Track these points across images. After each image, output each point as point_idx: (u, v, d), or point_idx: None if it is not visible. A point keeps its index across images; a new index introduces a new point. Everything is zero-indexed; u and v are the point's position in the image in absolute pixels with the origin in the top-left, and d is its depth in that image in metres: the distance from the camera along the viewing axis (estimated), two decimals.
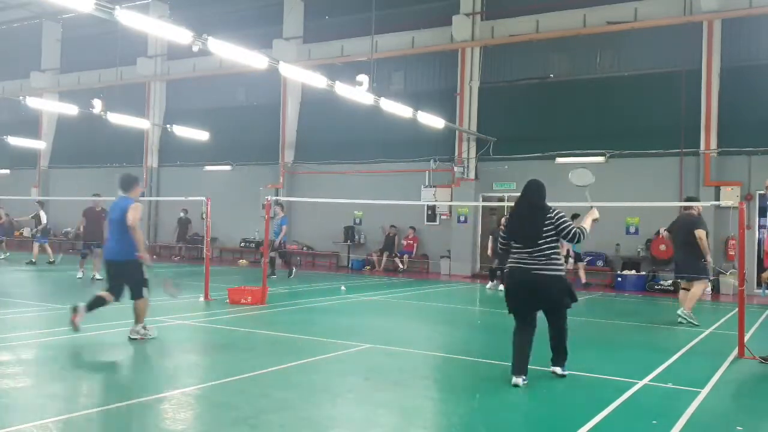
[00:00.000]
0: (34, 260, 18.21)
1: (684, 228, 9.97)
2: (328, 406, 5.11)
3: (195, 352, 7.44)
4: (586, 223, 6.17)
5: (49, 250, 19.03)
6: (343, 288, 14.05)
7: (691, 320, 9.94)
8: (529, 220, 5.87)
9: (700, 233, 9.70)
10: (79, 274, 14.75)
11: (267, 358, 6.90)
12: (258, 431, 4.40)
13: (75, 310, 7.18)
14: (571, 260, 15.33)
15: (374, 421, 4.83)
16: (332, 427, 4.64)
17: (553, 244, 5.80)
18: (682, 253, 10.09)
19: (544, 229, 5.77)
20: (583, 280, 15.92)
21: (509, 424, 4.89)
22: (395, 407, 5.20)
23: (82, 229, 15.14)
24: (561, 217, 5.85)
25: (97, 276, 14.22)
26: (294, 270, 16.86)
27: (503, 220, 16.05)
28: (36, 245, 18.74)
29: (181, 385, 5.66)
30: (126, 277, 7.40)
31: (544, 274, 5.76)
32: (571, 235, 5.82)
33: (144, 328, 7.51)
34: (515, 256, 5.92)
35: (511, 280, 5.98)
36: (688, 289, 10.23)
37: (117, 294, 7.42)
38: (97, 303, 7.34)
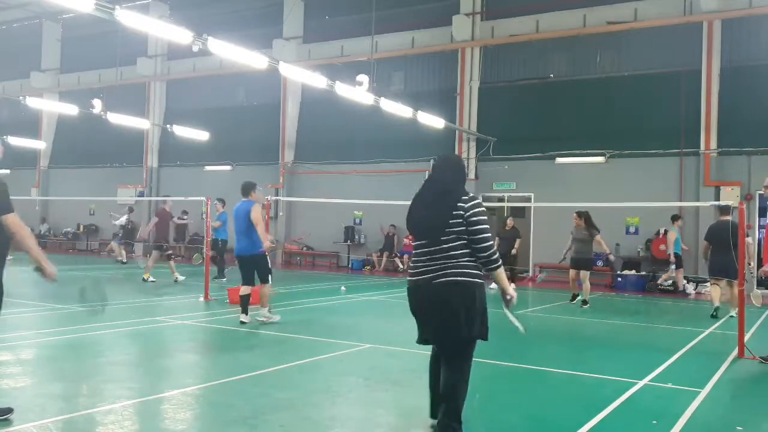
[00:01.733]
0: (124, 261, 19.69)
1: (727, 233, 10.26)
2: (328, 406, 5.11)
3: (195, 352, 7.44)
4: (502, 280, 4.30)
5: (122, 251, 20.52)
6: (343, 288, 14.05)
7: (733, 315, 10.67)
8: (433, 207, 4.17)
9: (748, 240, 10.62)
10: (181, 277, 14.65)
11: (267, 358, 6.90)
12: (258, 431, 4.40)
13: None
14: (672, 267, 14.48)
15: (374, 421, 4.83)
16: (332, 427, 4.63)
17: (461, 243, 4.08)
18: (724, 255, 10.38)
19: (451, 221, 4.06)
20: (680, 287, 15.35)
21: (509, 424, 4.89)
22: (395, 407, 5.20)
23: (153, 228, 15.16)
24: (477, 213, 4.07)
25: (152, 278, 14.31)
26: (225, 271, 15.41)
27: (509, 220, 16.10)
28: (116, 246, 20.30)
29: (181, 385, 5.65)
30: (257, 267, 8.84)
31: (444, 282, 4.04)
32: (481, 247, 4.06)
33: (269, 311, 8.92)
34: (414, 259, 4.31)
35: (408, 292, 4.35)
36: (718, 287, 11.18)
37: (251, 282, 8.89)
38: (244, 302, 8.91)
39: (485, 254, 4.09)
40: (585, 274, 12.62)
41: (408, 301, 4.33)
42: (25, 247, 4.31)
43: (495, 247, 4.13)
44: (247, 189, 9.03)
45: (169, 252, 15.08)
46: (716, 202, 13.20)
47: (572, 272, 12.87)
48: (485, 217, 4.11)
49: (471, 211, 4.07)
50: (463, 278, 4.06)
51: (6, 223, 4.27)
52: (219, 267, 15.39)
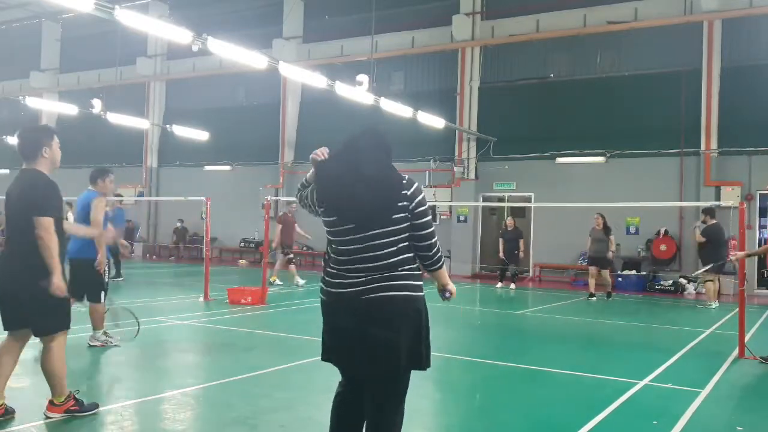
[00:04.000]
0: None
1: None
2: (328, 406, 5.09)
3: (195, 352, 7.43)
4: (444, 276, 3.39)
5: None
6: None
7: None
8: (368, 193, 3.00)
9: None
10: (301, 281, 14.48)
11: (267, 358, 6.89)
12: (258, 431, 4.40)
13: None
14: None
15: None
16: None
17: (404, 244, 3.08)
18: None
19: (394, 216, 3.02)
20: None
21: (509, 424, 4.89)
22: None
23: (278, 235, 14.61)
24: (423, 203, 3.10)
25: (278, 281, 14.40)
26: (118, 272, 14.59)
27: (509, 219, 16.11)
28: None
29: (181, 385, 5.65)
30: (86, 278, 6.65)
31: (383, 298, 3.02)
32: (427, 245, 3.15)
33: (105, 333, 7.07)
34: (333, 261, 3.17)
35: (325, 308, 3.23)
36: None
37: (80, 296, 6.70)
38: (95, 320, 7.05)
39: (431, 253, 3.17)
40: (606, 272, 14.00)
41: (323, 320, 3.20)
42: (45, 254, 4.26)
43: (438, 246, 3.26)
44: (94, 176, 6.97)
45: (290, 256, 14.86)
46: (717, 202, 13.23)
47: (593, 270, 14.12)
48: (429, 212, 3.18)
49: (416, 201, 3.06)
50: (407, 292, 3.05)
51: (37, 224, 4.26)
52: (116, 267, 14.46)
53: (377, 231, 3.01)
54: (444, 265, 3.35)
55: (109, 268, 7.69)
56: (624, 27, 17.52)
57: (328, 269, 3.19)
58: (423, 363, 3.21)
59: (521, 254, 15.78)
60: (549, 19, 18.56)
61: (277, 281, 14.43)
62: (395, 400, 3.21)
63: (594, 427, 4.65)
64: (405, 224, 3.05)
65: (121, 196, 14.81)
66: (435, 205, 19.80)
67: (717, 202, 13.33)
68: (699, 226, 13.01)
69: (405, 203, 3.03)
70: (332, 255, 3.17)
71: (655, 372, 6.51)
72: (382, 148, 3.17)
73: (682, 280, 16.09)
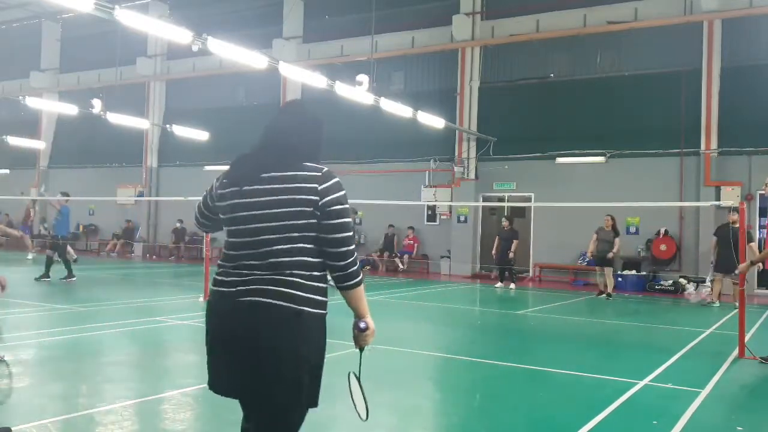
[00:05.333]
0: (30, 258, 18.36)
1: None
2: (328, 406, 5.09)
3: (195, 352, 7.43)
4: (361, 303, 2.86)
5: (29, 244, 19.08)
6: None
7: None
8: (268, 182, 2.54)
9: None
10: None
11: None
12: None
13: None
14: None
15: (374, 421, 4.82)
16: (332, 428, 4.63)
17: (307, 246, 2.53)
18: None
19: (293, 209, 2.49)
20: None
21: (509, 424, 4.89)
22: (395, 407, 5.19)
23: None
24: (339, 201, 2.56)
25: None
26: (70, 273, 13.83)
27: (504, 221, 16.15)
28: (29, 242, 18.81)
29: (181, 385, 5.65)
30: None
31: (266, 305, 2.46)
32: (340, 252, 2.55)
33: None
34: (227, 257, 2.63)
35: (209, 310, 2.65)
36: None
37: None
38: None
39: (341, 263, 2.55)
40: (609, 271, 14.21)
41: (206, 326, 2.63)
42: None
43: (356, 256, 2.62)
44: None
45: None
46: (717, 202, 13.26)
47: (599, 269, 14.51)
48: (348, 206, 2.59)
49: (329, 198, 2.51)
50: (306, 307, 2.50)
51: None
52: (66, 266, 13.72)
53: (272, 235, 2.48)
54: (362, 286, 2.67)
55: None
56: (624, 27, 17.51)
57: (220, 262, 2.66)
58: (302, 397, 2.65)
59: (511, 254, 15.78)
60: (549, 19, 18.56)
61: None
62: (280, 425, 2.68)
63: (594, 427, 4.64)
64: (307, 221, 2.49)
65: (68, 195, 14.54)
66: (435, 206, 19.83)
67: (717, 202, 13.35)
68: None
69: (313, 197, 2.48)
70: (224, 250, 2.68)
71: (655, 372, 6.51)
72: (310, 127, 2.74)
73: (682, 280, 16.09)
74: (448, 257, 19.65)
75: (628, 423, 4.89)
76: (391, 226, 20.34)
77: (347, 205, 2.58)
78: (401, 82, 21.27)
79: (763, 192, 15.89)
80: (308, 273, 2.53)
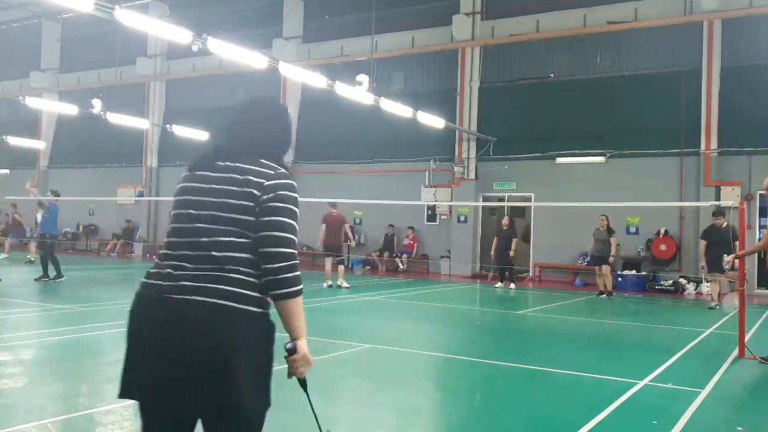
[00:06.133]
0: (32, 259, 18.31)
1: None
2: (327, 406, 5.11)
3: None
4: (298, 325, 2.52)
5: (33, 248, 18.98)
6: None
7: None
8: (218, 170, 2.41)
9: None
10: (345, 285, 14.29)
11: None
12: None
13: None
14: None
15: (374, 421, 4.82)
16: (332, 428, 4.62)
17: (241, 238, 2.33)
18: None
19: (237, 202, 2.33)
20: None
21: (509, 424, 4.89)
22: (395, 407, 5.19)
23: (322, 236, 14.45)
24: (283, 198, 2.34)
25: (345, 284, 14.19)
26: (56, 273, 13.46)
27: (504, 219, 16.16)
28: (33, 245, 18.80)
29: None
30: None
31: (202, 303, 2.25)
32: (274, 253, 2.29)
33: None
34: (163, 249, 2.51)
35: (135, 302, 2.41)
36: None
37: None
38: None
39: (275, 266, 2.29)
40: (606, 269, 14.36)
41: (129, 318, 2.38)
42: None
43: (296, 262, 2.35)
44: None
45: (341, 257, 14.61)
46: (717, 203, 13.25)
47: (597, 269, 14.71)
48: (295, 208, 2.37)
49: (273, 194, 2.33)
50: (244, 305, 2.28)
51: None
52: (55, 266, 13.39)
53: (212, 212, 2.34)
54: (298, 300, 2.35)
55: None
56: (624, 27, 17.51)
57: (160, 253, 2.47)
58: (255, 399, 2.45)
59: (512, 253, 15.78)
60: (549, 19, 18.56)
61: (344, 284, 14.17)
62: None
63: (594, 427, 4.64)
64: (249, 218, 2.31)
65: (58, 194, 14.45)
66: (435, 206, 19.83)
67: (717, 202, 13.34)
68: None
69: (256, 192, 2.31)
70: (165, 238, 2.51)
71: (655, 372, 6.51)
72: (275, 121, 2.58)
73: (682, 280, 16.10)
74: (448, 257, 19.65)
75: (628, 423, 4.89)
76: (391, 226, 20.35)
77: (292, 207, 2.34)
78: (401, 82, 21.27)
79: (763, 192, 15.90)
80: (248, 270, 2.31)
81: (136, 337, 2.33)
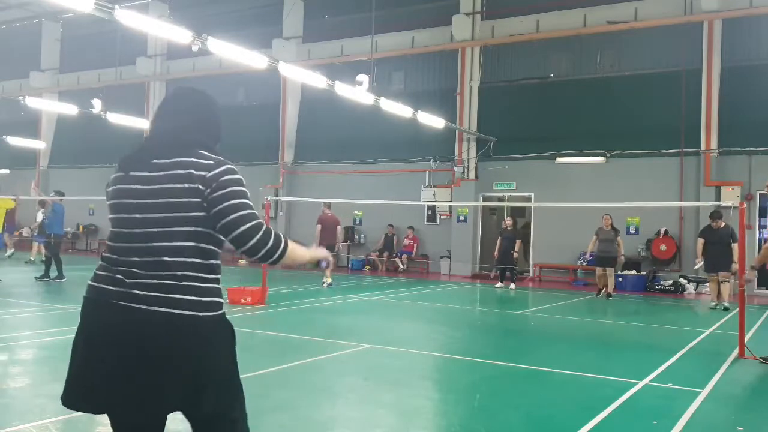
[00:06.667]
0: (32, 259, 18.31)
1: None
2: (328, 406, 5.11)
3: None
4: (300, 255, 2.53)
5: (43, 249, 18.99)
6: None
7: None
8: (154, 168, 2.31)
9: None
10: (329, 280, 14.50)
11: (267, 358, 6.89)
12: (258, 431, 4.39)
13: None
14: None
15: (374, 421, 4.82)
16: (332, 428, 4.63)
17: (194, 237, 2.28)
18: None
19: (182, 199, 2.26)
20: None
21: (509, 424, 4.89)
22: (395, 407, 5.19)
23: (318, 237, 14.49)
24: (229, 183, 2.31)
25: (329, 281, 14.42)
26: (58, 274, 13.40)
27: (507, 219, 16.15)
28: (35, 245, 18.81)
29: None
30: None
31: (157, 313, 2.20)
32: (242, 232, 2.27)
33: None
34: (105, 253, 2.42)
35: (84, 308, 2.38)
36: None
37: None
38: None
39: (251, 244, 2.27)
40: (611, 271, 14.18)
41: (80, 322, 2.35)
42: None
43: (266, 230, 2.32)
44: None
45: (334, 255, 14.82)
46: (717, 202, 13.24)
47: (599, 269, 14.35)
48: (242, 187, 2.34)
49: (217, 182, 2.28)
50: (198, 312, 2.24)
51: None
52: (58, 266, 13.40)
53: (155, 215, 2.25)
54: (290, 248, 2.38)
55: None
56: (624, 27, 17.51)
57: (103, 255, 2.43)
58: (234, 407, 2.44)
59: (515, 254, 15.76)
60: (549, 19, 18.56)
61: (329, 281, 14.43)
62: None
63: (594, 427, 4.64)
64: (197, 214, 2.25)
65: (63, 194, 14.39)
66: (435, 206, 19.83)
67: (717, 202, 13.33)
68: None
69: (200, 187, 2.25)
70: (106, 242, 2.43)
71: (655, 372, 6.51)
72: (200, 111, 2.52)
73: (682, 280, 16.10)
74: (448, 257, 19.65)
75: (628, 423, 4.89)
76: (390, 226, 20.35)
77: (239, 187, 2.32)
78: (401, 82, 21.28)
79: (764, 192, 15.92)
80: (198, 274, 2.26)
81: (89, 343, 2.26)
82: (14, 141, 23.86)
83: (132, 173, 2.33)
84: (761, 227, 16.33)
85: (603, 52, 18.34)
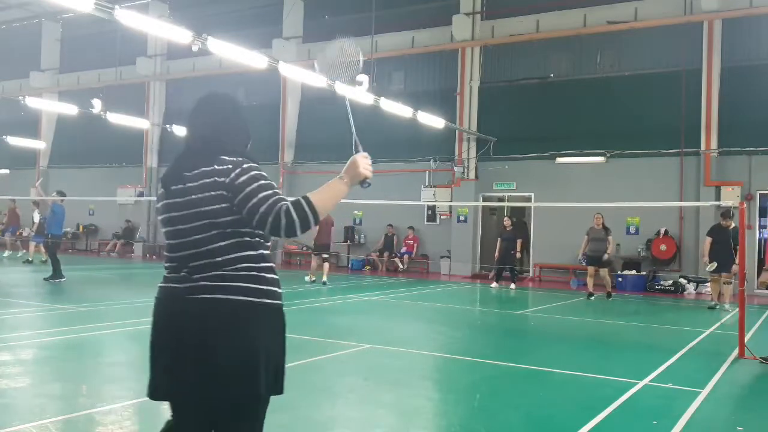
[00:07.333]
0: (30, 259, 18.31)
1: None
2: (328, 406, 5.11)
3: None
4: (328, 193, 2.85)
5: (43, 249, 18.97)
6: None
7: None
8: (187, 180, 2.49)
9: None
10: (313, 278, 15.24)
11: None
12: None
13: None
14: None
15: (374, 421, 4.82)
16: (332, 428, 4.63)
17: (236, 235, 2.46)
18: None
19: (215, 206, 2.43)
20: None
21: (509, 424, 4.89)
22: (395, 407, 5.19)
23: (315, 235, 14.95)
24: (247, 177, 2.44)
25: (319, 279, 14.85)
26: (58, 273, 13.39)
27: (506, 220, 16.14)
28: (32, 245, 18.80)
29: None
30: None
31: (204, 300, 2.42)
32: (263, 212, 2.39)
33: None
34: (166, 262, 2.61)
35: (156, 305, 2.57)
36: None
37: None
38: None
39: (285, 228, 2.39)
40: (605, 271, 13.95)
41: (152, 323, 2.56)
42: None
43: (292, 209, 2.40)
44: None
45: (326, 256, 15.07)
46: (717, 202, 13.23)
47: (591, 269, 14.08)
48: (260, 173, 2.49)
49: (238, 180, 2.43)
50: (240, 296, 2.43)
51: None
52: (54, 266, 13.35)
53: (199, 223, 2.44)
54: (313, 209, 2.50)
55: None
56: (624, 27, 17.51)
57: (166, 257, 2.61)
58: (263, 388, 2.56)
59: (517, 254, 15.74)
60: (549, 19, 18.56)
61: (324, 279, 14.85)
62: None
63: (594, 427, 4.64)
64: (233, 217, 2.44)
65: (64, 195, 14.32)
66: (435, 206, 19.82)
67: (717, 202, 13.33)
68: None
69: (225, 193, 2.43)
70: (165, 252, 2.65)
71: (655, 372, 6.51)
72: (219, 114, 2.72)
73: (682, 280, 16.10)
74: (448, 257, 19.65)
75: (628, 423, 4.89)
76: (390, 226, 20.34)
77: (256, 173, 2.46)
78: (401, 82, 21.28)
79: (764, 192, 15.91)
80: (249, 265, 2.47)
81: (159, 335, 2.52)
82: (14, 141, 23.86)
83: (171, 188, 2.54)
84: (761, 227, 16.33)
85: (603, 52, 18.34)
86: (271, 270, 2.56)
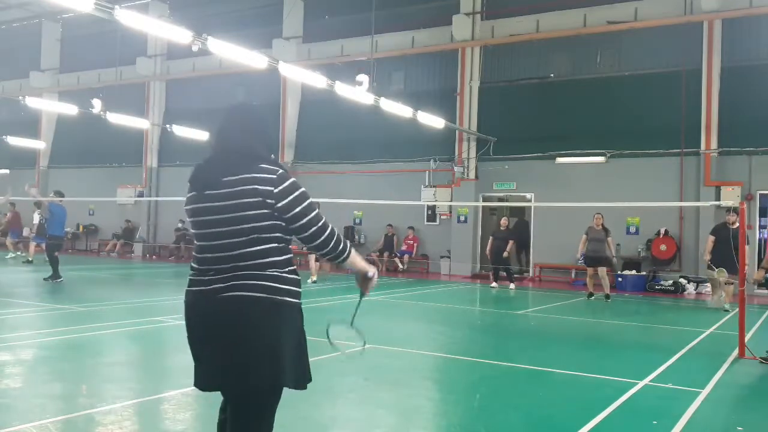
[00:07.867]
0: (30, 259, 18.31)
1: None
2: (328, 406, 5.11)
3: None
4: (357, 262, 3.04)
5: (31, 249, 18.95)
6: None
7: None
8: (226, 186, 2.70)
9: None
10: (314, 278, 15.73)
11: None
12: None
13: None
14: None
15: (374, 421, 4.83)
16: (332, 427, 4.63)
17: (267, 243, 2.71)
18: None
19: (253, 212, 2.67)
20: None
21: (509, 424, 4.89)
22: (395, 407, 5.20)
23: None
24: (293, 195, 2.74)
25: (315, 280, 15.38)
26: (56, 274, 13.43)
27: (503, 220, 16.15)
28: (32, 245, 18.81)
29: (181, 385, 5.64)
30: None
31: (236, 298, 2.66)
32: (312, 233, 2.78)
33: None
34: (195, 263, 2.84)
35: (186, 307, 2.85)
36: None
37: None
38: None
39: (319, 242, 2.79)
40: (603, 271, 13.77)
41: (185, 323, 2.83)
42: None
43: (332, 230, 2.85)
44: None
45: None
46: (717, 202, 13.22)
47: (590, 270, 13.99)
48: (306, 197, 2.79)
49: (284, 196, 2.69)
50: (267, 294, 2.67)
51: None
52: (54, 267, 13.38)
53: (233, 227, 2.66)
54: (353, 253, 2.93)
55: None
56: (624, 27, 17.51)
57: (193, 264, 2.83)
58: (287, 378, 2.77)
59: (507, 254, 15.70)
60: (549, 19, 18.55)
61: (315, 279, 15.43)
62: (254, 421, 2.77)
63: (594, 427, 4.64)
64: (269, 222, 2.69)
65: (62, 195, 14.30)
66: (435, 206, 19.82)
67: (717, 202, 13.33)
68: None
69: (269, 201, 2.66)
70: (194, 253, 2.86)
71: (655, 372, 6.51)
72: (252, 125, 2.87)
73: (682, 280, 16.10)
74: (448, 257, 19.65)
75: (628, 423, 4.89)
76: (390, 226, 20.34)
77: (304, 197, 2.77)
78: (401, 82, 21.27)
79: (764, 192, 15.91)
80: (277, 268, 2.71)
81: (193, 331, 2.79)
82: (14, 141, 23.86)
83: (206, 192, 2.73)
84: (761, 227, 16.32)
85: (603, 52, 18.34)
86: (294, 271, 2.81)
